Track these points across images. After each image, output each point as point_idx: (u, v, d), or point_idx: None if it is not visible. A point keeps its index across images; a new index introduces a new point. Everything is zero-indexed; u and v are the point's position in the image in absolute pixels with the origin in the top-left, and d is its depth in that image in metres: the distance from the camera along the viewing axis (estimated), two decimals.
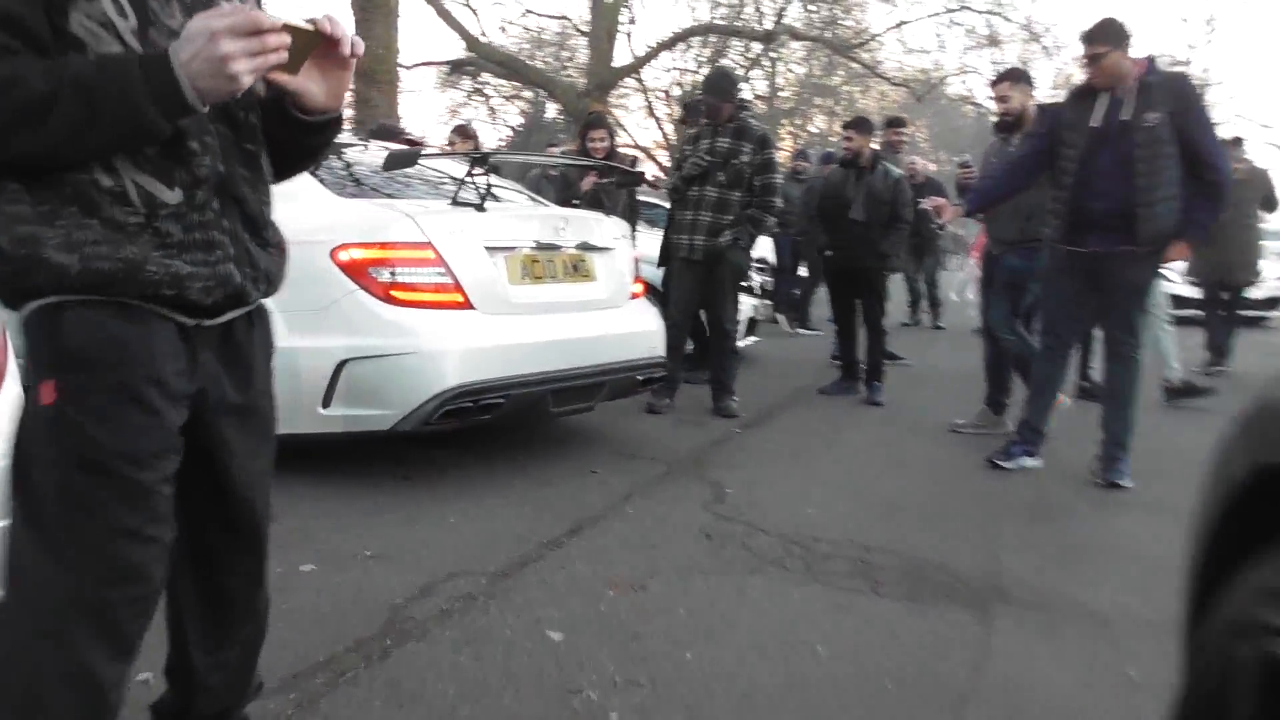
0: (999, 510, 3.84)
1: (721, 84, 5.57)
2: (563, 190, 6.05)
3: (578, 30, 20.70)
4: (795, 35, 19.43)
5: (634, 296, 4.54)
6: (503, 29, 22.04)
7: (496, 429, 4.35)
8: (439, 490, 3.77)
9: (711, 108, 5.39)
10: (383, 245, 3.61)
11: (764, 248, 12.36)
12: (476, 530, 3.33)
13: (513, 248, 3.91)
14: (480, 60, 18.55)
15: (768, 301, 10.98)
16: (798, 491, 3.98)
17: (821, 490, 4.02)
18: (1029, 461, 4.42)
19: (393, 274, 3.60)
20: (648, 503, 3.76)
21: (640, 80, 21.45)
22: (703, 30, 20.02)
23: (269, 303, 1.63)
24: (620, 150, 6.22)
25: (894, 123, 8.88)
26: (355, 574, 2.87)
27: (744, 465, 4.40)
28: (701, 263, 5.44)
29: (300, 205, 3.95)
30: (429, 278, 3.64)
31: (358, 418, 3.62)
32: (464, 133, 7.56)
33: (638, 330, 4.43)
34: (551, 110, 24.58)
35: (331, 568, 2.90)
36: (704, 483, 4.08)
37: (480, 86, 23.92)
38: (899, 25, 20.37)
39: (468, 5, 19.84)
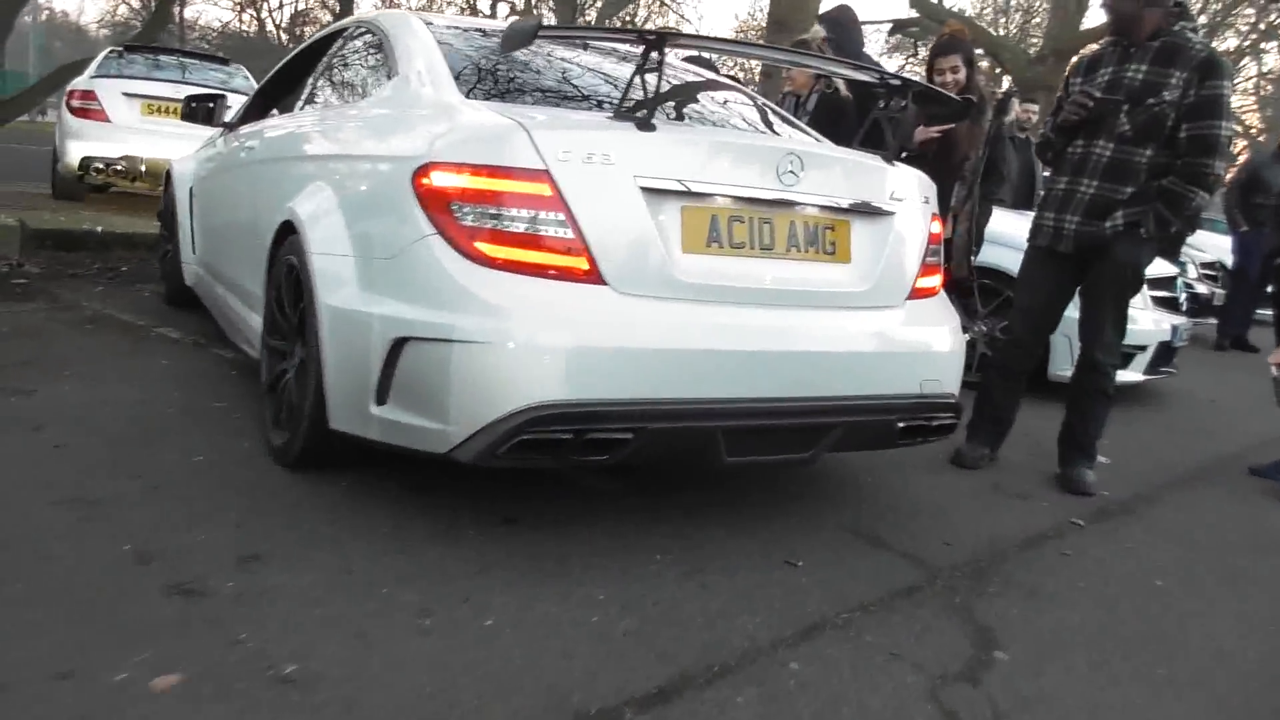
0: None
1: None
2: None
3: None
4: None
5: (920, 294, 2.86)
6: None
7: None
8: (523, 558, 2.45)
9: (1120, 15, 3.44)
10: (475, 170, 2.31)
11: (1216, 247, 9.49)
12: (519, 653, 1.98)
13: (695, 193, 2.43)
14: (927, 20, 16.64)
15: (1202, 321, 8.36)
16: (1142, 685, 2.17)
17: (1191, 692, 2.18)
18: None
19: (483, 215, 2.30)
20: (840, 650, 2.17)
21: None
22: None
23: None
24: (990, 90, 4.42)
25: None
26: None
27: (1060, 596, 2.62)
28: (1073, 256, 3.56)
29: (395, 104, 2.77)
30: (536, 226, 2.29)
31: (407, 428, 2.38)
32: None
33: (909, 348, 2.77)
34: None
35: None
36: (967, 625, 2.39)
37: (921, 48, 21.88)
38: None
39: None
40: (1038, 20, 20.01)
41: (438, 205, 2.34)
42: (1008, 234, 5.13)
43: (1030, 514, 3.32)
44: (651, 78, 2.41)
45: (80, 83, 8.33)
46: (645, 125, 2.39)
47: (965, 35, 4.26)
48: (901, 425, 2.72)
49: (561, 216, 2.29)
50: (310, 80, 3.77)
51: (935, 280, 2.93)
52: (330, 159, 2.94)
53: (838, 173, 2.66)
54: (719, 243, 2.47)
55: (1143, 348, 5.23)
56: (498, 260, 2.28)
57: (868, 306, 2.70)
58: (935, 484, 3.50)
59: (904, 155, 4.24)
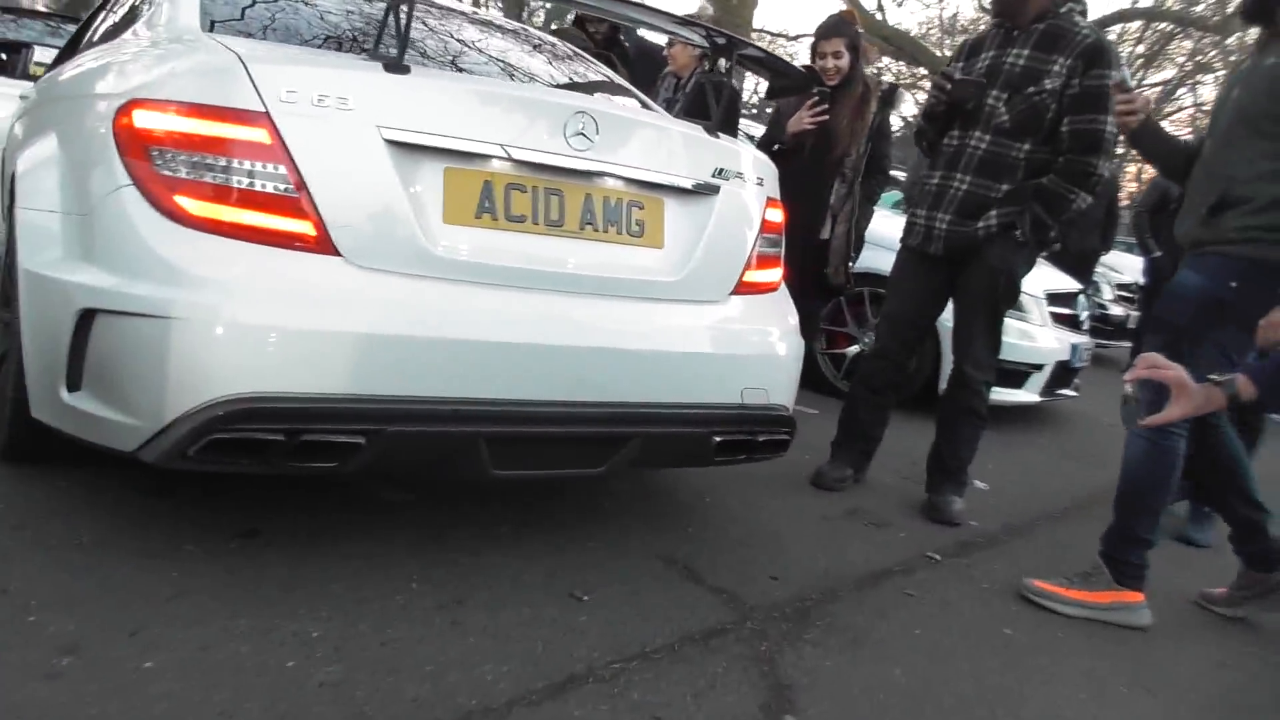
0: None
1: None
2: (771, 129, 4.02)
3: (982, 8, 18.02)
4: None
5: (749, 289, 2.48)
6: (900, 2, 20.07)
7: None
8: (243, 580, 2.03)
9: None
10: (181, 109, 1.89)
11: (1133, 268, 9.24)
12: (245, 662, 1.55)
13: (462, 153, 2.03)
14: (870, 37, 16.44)
15: (1116, 345, 8.18)
16: None
17: None
18: None
19: (185, 164, 1.87)
20: (593, 711, 1.78)
21: None
22: (1140, 15, 16.54)
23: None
24: (876, 81, 4.07)
25: None
26: None
27: (887, 645, 2.25)
28: (944, 259, 3.23)
29: (135, 41, 2.35)
30: (250, 180, 1.87)
31: (97, 421, 1.94)
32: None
33: (728, 350, 2.39)
34: None
35: None
36: (765, 680, 2.01)
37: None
38: None
39: None
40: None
41: (136, 150, 1.90)
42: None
43: (882, 546, 2.96)
44: (416, 15, 2.00)
45: None
46: (395, 66, 1.98)
47: (853, 20, 3.92)
48: (719, 440, 2.34)
49: (282, 170, 1.87)
50: (96, 23, 3.31)
51: (770, 275, 2.56)
52: (61, 102, 2.50)
53: (648, 142, 2.27)
54: (492, 214, 2.07)
55: (1039, 367, 4.93)
56: (200, 220, 1.86)
57: (679, 300, 2.32)
58: (783, 508, 3.13)
59: (776, 148, 3.90)
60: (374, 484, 2.65)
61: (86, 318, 1.92)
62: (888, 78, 21.74)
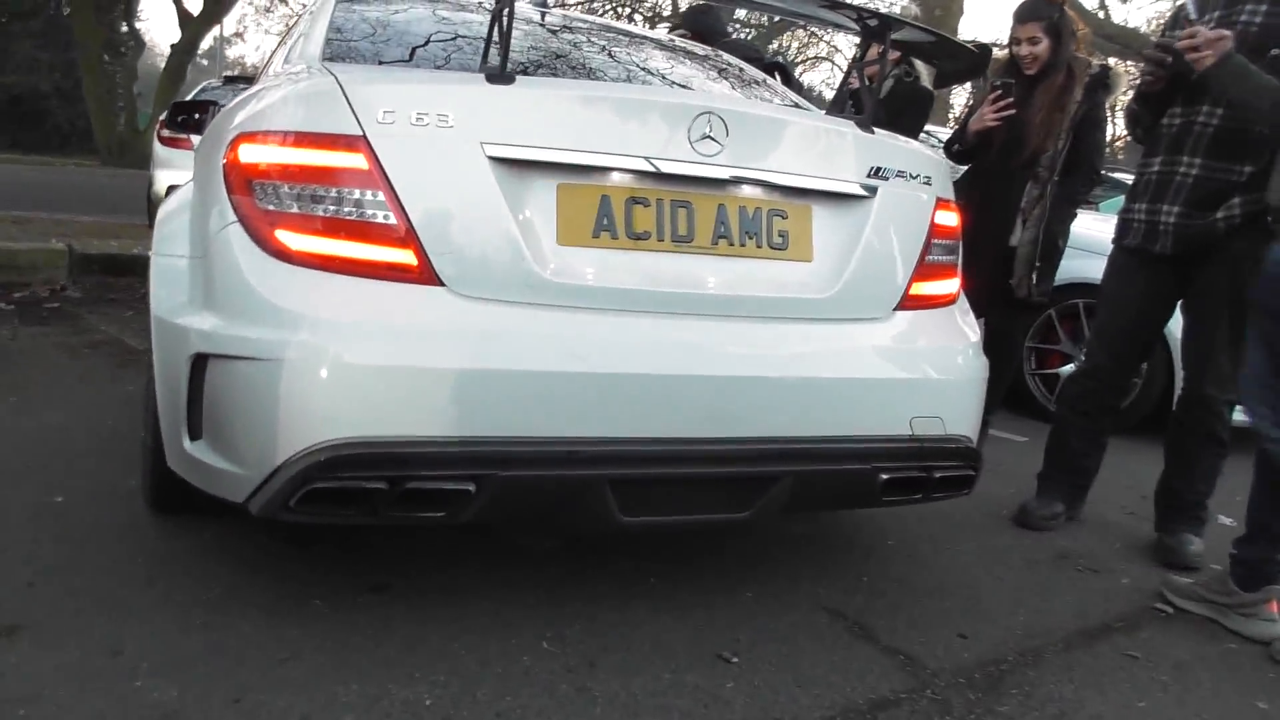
0: None
1: None
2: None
3: None
4: None
5: (917, 303, 2.16)
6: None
7: None
8: (360, 640, 1.90)
9: None
10: (281, 138, 1.79)
11: None
12: None
13: (576, 166, 1.84)
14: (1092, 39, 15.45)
15: None
16: None
17: None
18: None
19: (284, 196, 1.77)
20: None
21: None
22: None
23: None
24: (1086, 60, 3.57)
25: None
26: None
27: None
28: (1170, 259, 2.77)
29: (269, 74, 2.31)
30: (348, 209, 1.75)
31: (215, 472, 1.86)
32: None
33: (893, 374, 2.07)
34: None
35: None
36: None
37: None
38: None
39: None
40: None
41: (240, 185, 1.83)
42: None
43: (1099, 596, 2.52)
44: (521, 24, 1.83)
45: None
46: (498, 77, 1.81)
47: (1056, 0, 3.47)
48: (885, 478, 2.03)
49: (380, 196, 1.74)
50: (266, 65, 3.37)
51: (944, 286, 2.22)
52: (202, 145, 2.50)
53: (789, 142, 2.01)
54: (612, 232, 1.87)
55: None
56: (298, 254, 1.75)
57: (833, 318, 2.03)
58: (979, 551, 2.74)
59: (956, 150, 3.52)
60: (513, 530, 2.49)
61: (200, 362, 1.84)
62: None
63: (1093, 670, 2.10)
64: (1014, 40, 3.48)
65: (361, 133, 1.74)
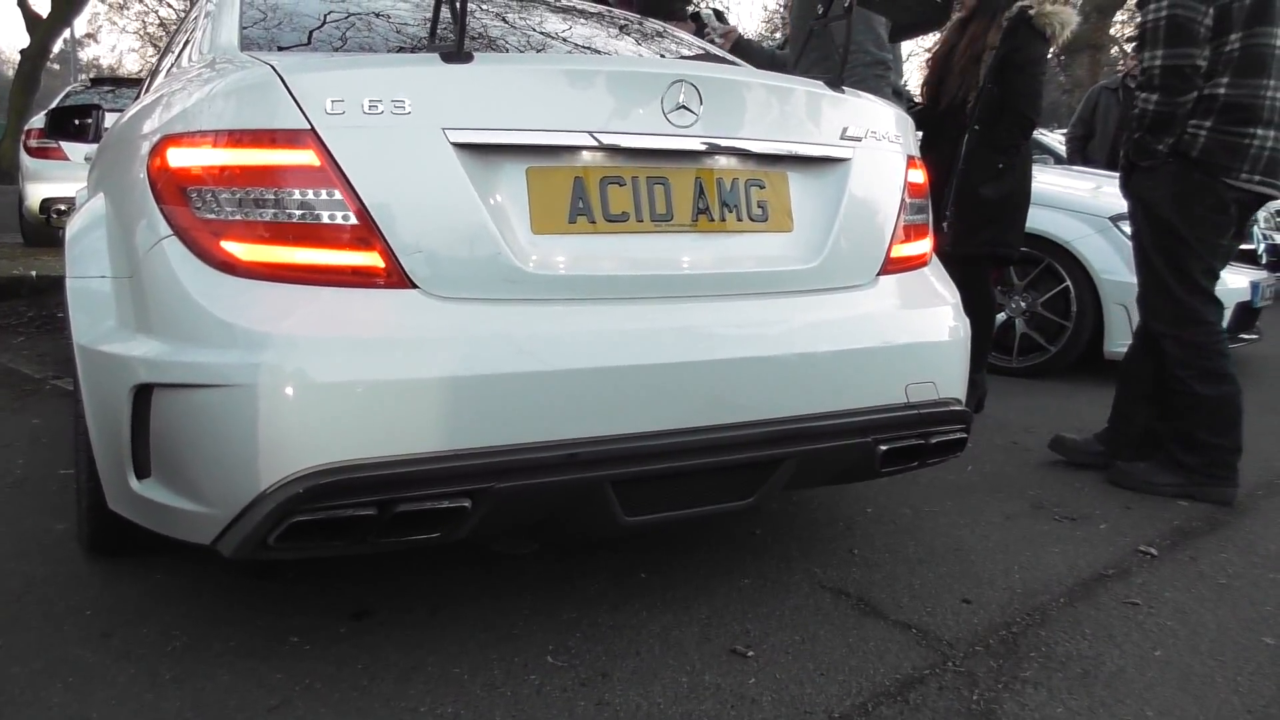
0: None
1: None
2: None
3: None
4: None
5: (899, 266, 2.09)
6: None
7: None
8: (350, 675, 1.74)
9: None
10: (214, 139, 1.61)
11: None
12: None
13: (545, 147, 1.70)
14: None
15: None
16: None
17: None
18: None
19: (227, 203, 1.60)
20: None
21: None
22: None
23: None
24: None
25: None
26: None
27: (1128, 675, 1.83)
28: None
29: (178, 72, 2.11)
30: (300, 212, 1.58)
31: (170, 512, 1.68)
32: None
33: (885, 341, 1.99)
34: None
35: None
36: None
37: None
38: None
39: None
40: None
41: (172, 195, 1.64)
42: (1050, 194, 4.33)
43: (1084, 544, 2.51)
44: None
45: (37, 121, 7.85)
46: (455, 56, 1.66)
47: None
48: (885, 449, 1.96)
49: (336, 194, 1.58)
50: (160, 62, 3.11)
51: (921, 246, 2.16)
52: (106, 153, 2.28)
53: (762, 106, 1.90)
54: (589, 216, 1.74)
55: None
56: (251, 265, 1.58)
57: (820, 289, 1.94)
58: (957, 510, 2.71)
59: (911, 107, 3.47)
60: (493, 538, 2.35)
61: (143, 394, 1.65)
62: None
63: (1101, 623, 2.07)
64: None
65: (309, 126, 1.57)
